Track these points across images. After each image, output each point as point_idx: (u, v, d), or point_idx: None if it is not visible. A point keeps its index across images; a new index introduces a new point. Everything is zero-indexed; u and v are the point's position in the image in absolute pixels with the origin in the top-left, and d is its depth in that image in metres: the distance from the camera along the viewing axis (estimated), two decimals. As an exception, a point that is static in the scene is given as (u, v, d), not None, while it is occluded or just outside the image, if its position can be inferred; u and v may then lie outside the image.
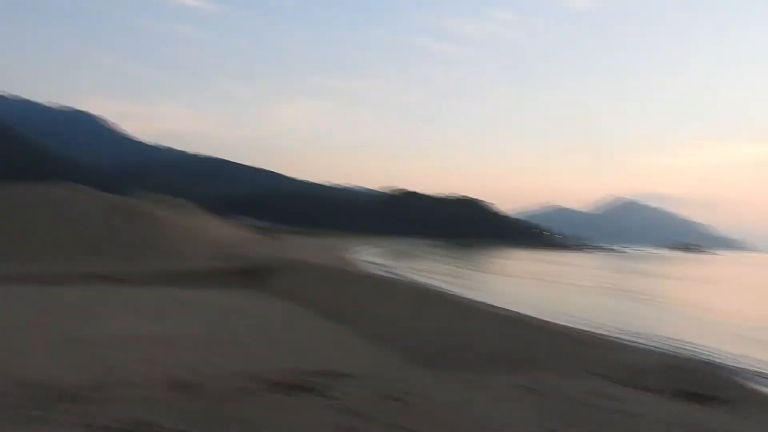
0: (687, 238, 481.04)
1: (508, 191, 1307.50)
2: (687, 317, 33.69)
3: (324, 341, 17.42)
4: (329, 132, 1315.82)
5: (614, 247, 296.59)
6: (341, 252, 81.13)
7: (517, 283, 52.81)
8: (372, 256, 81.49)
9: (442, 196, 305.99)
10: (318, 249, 77.19)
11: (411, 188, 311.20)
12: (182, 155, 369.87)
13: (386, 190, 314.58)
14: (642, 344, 21.89)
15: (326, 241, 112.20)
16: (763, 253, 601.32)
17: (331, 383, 9.26)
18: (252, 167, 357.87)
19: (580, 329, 24.17)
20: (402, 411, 8.08)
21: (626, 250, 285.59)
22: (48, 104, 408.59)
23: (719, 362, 18.47)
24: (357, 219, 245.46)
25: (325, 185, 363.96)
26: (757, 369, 18.43)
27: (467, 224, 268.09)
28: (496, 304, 29.70)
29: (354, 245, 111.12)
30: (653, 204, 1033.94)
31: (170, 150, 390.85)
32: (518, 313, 26.99)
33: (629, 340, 22.77)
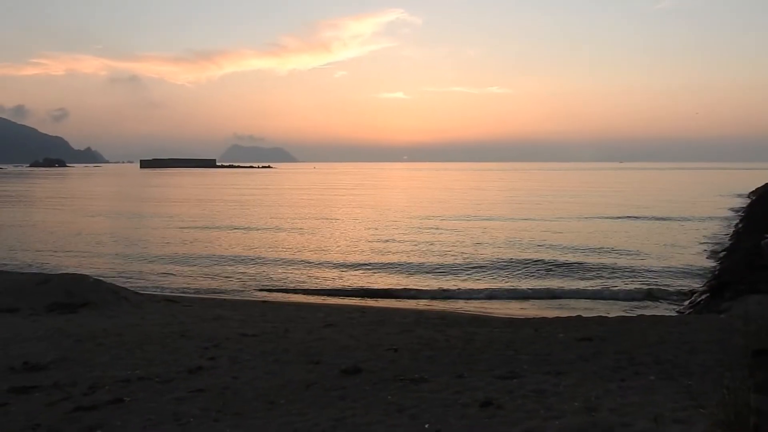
0: (47, 153, 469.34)
1: None
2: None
3: None
4: None
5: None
6: None
7: None
8: None
9: None
10: None
11: None
12: None
13: None
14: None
15: None
16: (111, 163, 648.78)
17: None
18: None
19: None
20: None
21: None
22: None
23: (86, 274, 19.81)
24: None
25: None
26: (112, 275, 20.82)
27: None
28: None
29: None
30: (7, 117, 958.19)
31: None
32: None
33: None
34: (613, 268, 21.67)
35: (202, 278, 21.16)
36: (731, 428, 3.34)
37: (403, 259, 24.64)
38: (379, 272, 21.94)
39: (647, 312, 15.07)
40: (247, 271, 22.49)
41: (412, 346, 9.73)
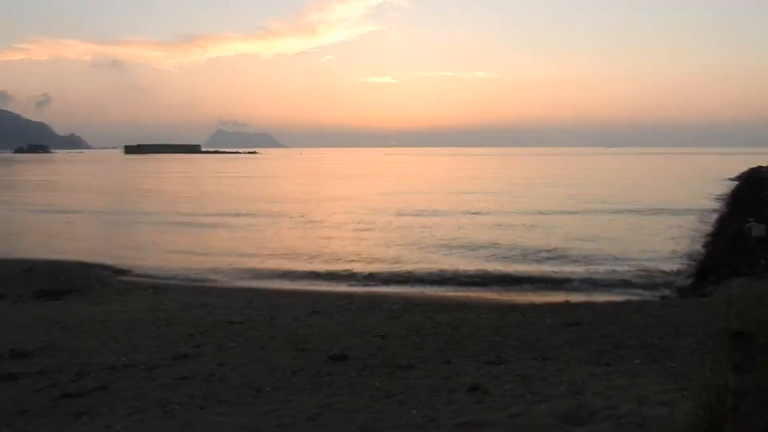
0: (31, 139, 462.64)
1: None
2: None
3: None
4: None
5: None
6: None
7: None
8: None
9: None
10: None
11: None
12: None
13: None
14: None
15: None
16: (95, 149, 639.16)
17: None
18: None
19: None
20: None
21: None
22: None
23: (72, 261, 19.68)
24: None
25: None
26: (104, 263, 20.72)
27: None
28: None
29: None
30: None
31: None
32: None
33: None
34: (598, 256, 21.80)
35: (187, 265, 21.04)
36: (712, 409, 3.40)
37: (388, 247, 24.67)
38: (365, 260, 21.95)
39: (633, 297, 15.23)
40: (233, 257, 22.40)
41: (400, 333, 9.79)
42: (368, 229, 29.51)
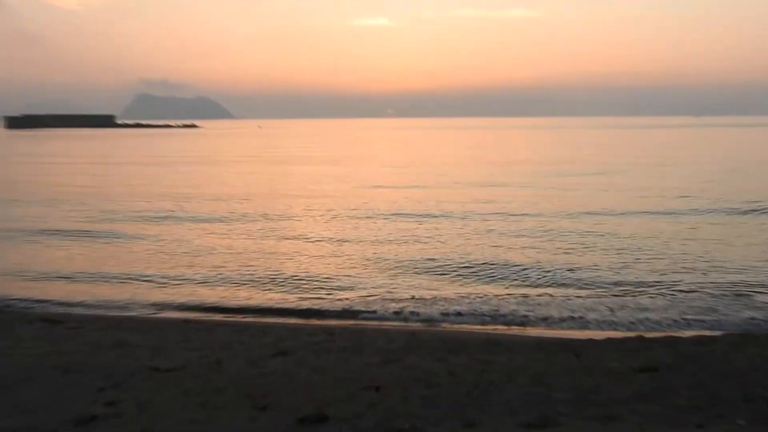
0: None
1: None
2: None
3: None
4: None
5: None
6: None
7: None
8: None
9: None
10: None
11: None
12: None
13: None
14: None
15: None
16: None
17: None
18: None
19: None
20: None
21: None
22: None
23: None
24: None
25: None
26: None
27: None
28: None
29: None
30: None
31: None
32: None
33: None
34: (680, 273, 21.87)
35: (95, 289, 20.99)
36: None
37: (382, 263, 24.70)
38: (348, 281, 21.98)
39: (732, 330, 15.25)
40: (159, 278, 22.36)
41: (401, 382, 9.78)
42: (351, 239, 29.50)
